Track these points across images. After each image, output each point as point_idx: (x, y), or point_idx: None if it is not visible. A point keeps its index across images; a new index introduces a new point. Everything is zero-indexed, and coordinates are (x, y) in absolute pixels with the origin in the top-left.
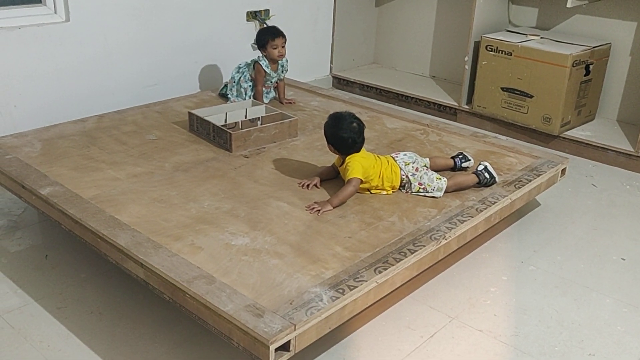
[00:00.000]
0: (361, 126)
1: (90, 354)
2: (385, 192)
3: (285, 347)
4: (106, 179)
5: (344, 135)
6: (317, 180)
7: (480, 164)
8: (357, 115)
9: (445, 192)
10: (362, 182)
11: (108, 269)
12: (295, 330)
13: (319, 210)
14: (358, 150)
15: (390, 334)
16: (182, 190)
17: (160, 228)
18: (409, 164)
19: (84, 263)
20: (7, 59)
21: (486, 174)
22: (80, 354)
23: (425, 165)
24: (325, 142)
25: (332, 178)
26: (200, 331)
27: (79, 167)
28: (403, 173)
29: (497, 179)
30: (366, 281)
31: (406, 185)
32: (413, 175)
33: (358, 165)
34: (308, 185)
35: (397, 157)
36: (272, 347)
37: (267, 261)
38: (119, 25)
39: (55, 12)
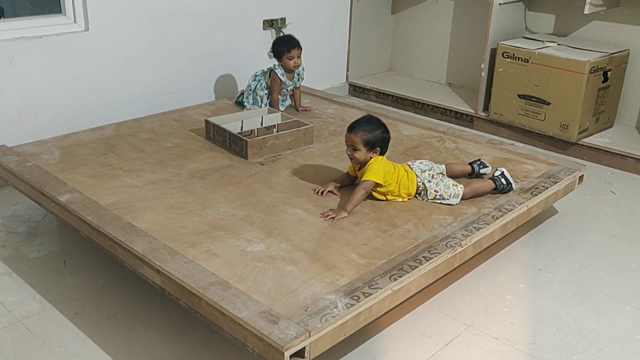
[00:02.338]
0: None
1: (106, 359)
2: (400, 200)
3: (300, 354)
4: (123, 186)
5: (387, 135)
6: (331, 186)
7: (497, 170)
8: None
9: (462, 198)
10: (379, 186)
11: (125, 275)
12: (310, 337)
13: (334, 218)
14: (384, 153)
15: (405, 341)
16: (198, 197)
17: (177, 235)
18: (425, 171)
19: (102, 269)
20: (28, 68)
21: (503, 180)
22: (97, 358)
23: (441, 173)
24: (349, 147)
25: (347, 185)
26: (215, 337)
27: (97, 175)
28: (419, 180)
29: (513, 186)
30: (381, 288)
31: (422, 192)
32: (429, 182)
33: (380, 168)
34: (322, 192)
35: (413, 164)
36: (287, 354)
37: (282, 268)
38: (138, 35)
39: (74, 22)
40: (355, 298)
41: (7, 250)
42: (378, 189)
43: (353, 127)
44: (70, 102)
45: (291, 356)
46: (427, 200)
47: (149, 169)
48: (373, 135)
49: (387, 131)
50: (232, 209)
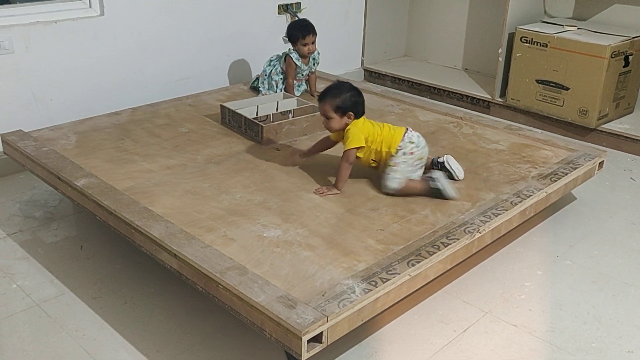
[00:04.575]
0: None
1: (124, 344)
2: (384, 159)
3: (317, 339)
4: (140, 171)
5: (358, 97)
6: (296, 154)
7: (435, 172)
8: (390, 107)
9: (393, 193)
10: (360, 148)
11: (142, 259)
12: (327, 322)
13: (323, 193)
14: (363, 114)
15: (422, 327)
16: (214, 182)
17: (193, 219)
18: (413, 143)
19: (118, 254)
20: (44, 53)
21: (438, 184)
22: (114, 343)
23: (420, 158)
24: (323, 118)
25: (329, 148)
26: (232, 322)
27: (113, 159)
28: (401, 145)
29: (450, 196)
30: (399, 274)
31: (393, 158)
32: (404, 153)
33: (357, 131)
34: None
35: (411, 131)
36: (305, 339)
37: (299, 253)
38: (153, 20)
39: (90, 7)
40: (373, 283)
41: (25, 234)
42: (362, 154)
43: (321, 96)
44: (86, 87)
45: (309, 341)
46: (384, 163)
47: (165, 154)
48: (342, 100)
49: (357, 93)
50: (249, 194)
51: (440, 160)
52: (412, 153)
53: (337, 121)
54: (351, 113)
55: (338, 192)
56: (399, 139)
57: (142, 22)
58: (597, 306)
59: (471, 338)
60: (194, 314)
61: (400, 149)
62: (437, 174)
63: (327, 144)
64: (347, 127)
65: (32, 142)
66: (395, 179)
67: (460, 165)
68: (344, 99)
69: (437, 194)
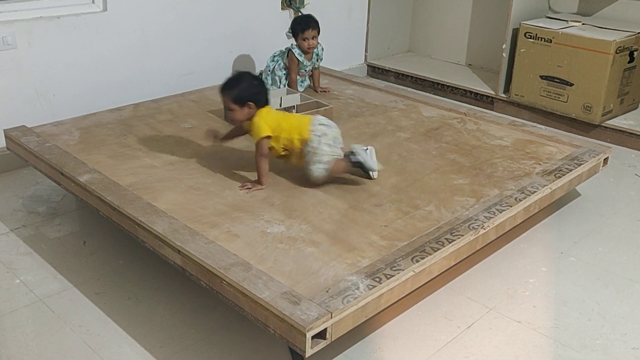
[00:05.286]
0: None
1: (127, 339)
2: (296, 147)
3: (321, 335)
4: (143, 167)
5: (255, 87)
6: (211, 133)
7: (354, 151)
8: (393, 103)
9: (320, 180)
10: (269, 137)
11: (145, 255)
12: (332, 318)
13: (250, 189)
14: (265, 104)
15: (426, 324)
16: (217, 178)
17: (197, 215)
18: (323, 124)
19: (122, 249)
20: (46, 49)
21: (359, 157)
22: (117, 338)
23: (335, 137)
24: (226, 111)
25: (242, 135)
26: (236, 318)
27: (116, 155)
28: (312, 129)
29: (369, 166)
30: (403, 270)
31: (309, 143)
32: (318, 136)
33: (262, 121)
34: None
35: (317, 118)
36: (309, 335)
37: (303, 249)
38: (156, 15)
39: (93, 2)
40: (377, 279)
41: (28, 230)
42: (274, 143)
43: (220, 89)
44: (89, 82)
45: (313, 337)
46: (303, 152)
47: (168, 149)
48: (239, 90)
49: (256, 83)
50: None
51: (350, 151)
52: (325, 134)
53: (239, 112)
54: (251, 103)
55: (263, 187)
56: (308, 124)
57: (145, 18)
58: (601, 303)
59: (475, 334)
60: (198, 310)
61: (312, 132)
62: (357, 148)
63: (241, 130)
64: (252, 120)
65: (35, 138)
66: (319, 168)
67: (375, 158)
68: (242, 89)
69: (359, 167)
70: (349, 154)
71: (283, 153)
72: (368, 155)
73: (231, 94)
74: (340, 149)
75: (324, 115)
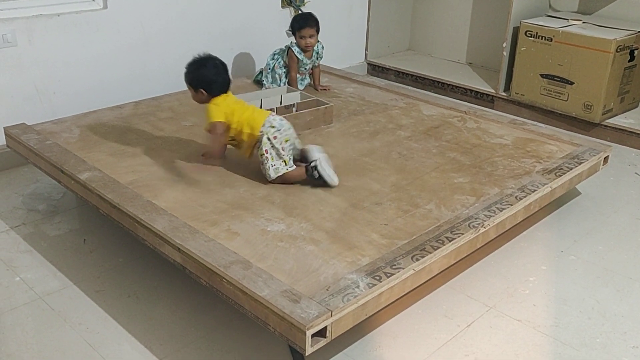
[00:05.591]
0: (224, 65)
1: (127, 337)
2: (244, 141)
3: (321, 333)
4: (143, 165)
5: (205, 73)
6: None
7: (313, 161)
8: (394, 101)
9: (273, 181)
10: (225, 125)
11: (145, 253)
12: (331, 316)
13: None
14: (220, 92)
15: (426, 322)
16: (217, 176)
17: (197, 213)
18: (274, 127)
19: (122, 247)
20: (47, 46)
21: (315, 172)
22: (117, 336)
23: (287, 141)
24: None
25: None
26: (236, 316)
27: (117, 153)
28: (262, 130)
29: (329, 180)
30: (403, 268)
31: (258, 143)
32: (268, 139)
33: (214, 109)
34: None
35: (273, 116)
36: (309, 333)
37: (303, 247)
38: (156, 13)
39: (93, 0)
40: (377, 278)
41: (28, 227)
42: (235, 134)
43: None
44: (89, 80)
45: (313, 335)
46: (253, 155)
47: (169, 147)
48: (195, 75)
49: (213, 71)
50: (252, 187)
51: (312, 164)
52: (275, 137)
53: (194, 95)
54: (202, 90)
55: (215, 162)
56: (260, 122)
57: (145, 16)
58: (601, 301)
59: (475, 333)
60: (198, 308)
61: (262, 134)
62: (320, 161)
63: (224, 142)
64: (206, 107)
65: (35, 136)
66: (268, 171)
67: (330, 169)
68: (197, 75)
69: (315, 179)
70: (311, 169)
71: (232, 143)
72: (330, 169)
73: (187, 78)
74: (294, 149)
75: (323, 115)
